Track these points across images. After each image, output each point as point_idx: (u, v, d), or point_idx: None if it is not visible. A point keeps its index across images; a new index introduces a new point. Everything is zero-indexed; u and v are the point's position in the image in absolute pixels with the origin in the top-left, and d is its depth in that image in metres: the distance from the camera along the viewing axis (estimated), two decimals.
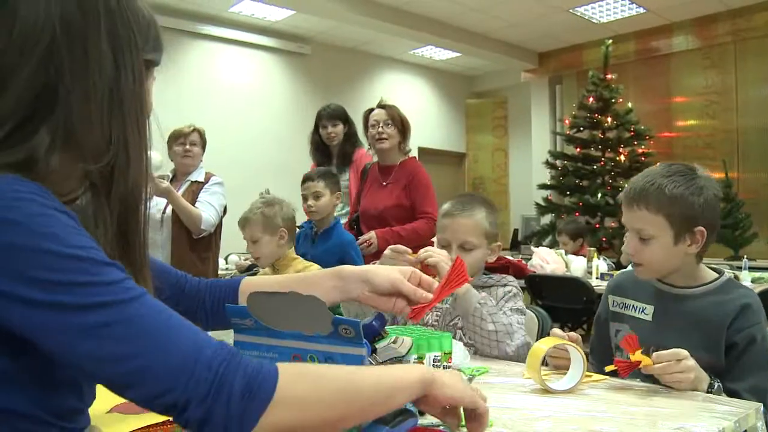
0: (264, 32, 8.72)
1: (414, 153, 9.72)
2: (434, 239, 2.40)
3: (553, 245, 6.21)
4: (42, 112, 0.84)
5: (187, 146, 3.88)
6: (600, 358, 1.86)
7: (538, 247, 5.32)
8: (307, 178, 3.68)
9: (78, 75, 0.85)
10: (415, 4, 7.94)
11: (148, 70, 0.97)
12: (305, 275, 1.34)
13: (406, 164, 3.79)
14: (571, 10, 8.01)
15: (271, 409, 0.80)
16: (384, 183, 3.75)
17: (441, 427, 1.13)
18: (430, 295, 1.27)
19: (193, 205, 3.73)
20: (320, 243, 3.45)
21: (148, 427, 1.18)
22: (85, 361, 0.77)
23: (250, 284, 1.31)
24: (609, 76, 7.77)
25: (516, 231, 8.72)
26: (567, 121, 8.13)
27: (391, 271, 1.29)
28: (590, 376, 1.55)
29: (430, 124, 10.65)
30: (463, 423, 1.06)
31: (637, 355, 1.43)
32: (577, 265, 4.43)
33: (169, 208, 3.72)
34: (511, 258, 4.83)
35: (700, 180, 1.67)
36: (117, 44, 0.89)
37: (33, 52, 0.83)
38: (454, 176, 11.12)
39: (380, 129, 3.78)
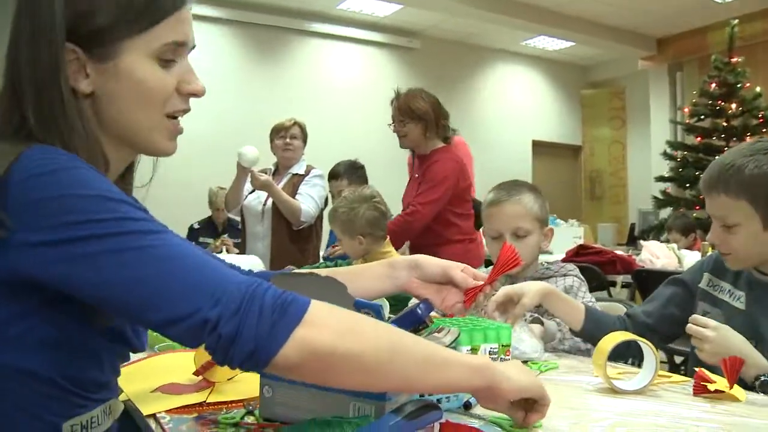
0: (372, 27, 8.75)
1: (528, 146, 9.77)
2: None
3: (669, 240, 5.86)
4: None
5: (288, 140, 3.92)
6: (656, 322, 1.73)
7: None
8: (331, 176, 3.71)
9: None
10: None
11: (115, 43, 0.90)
12: (359, 266, 1.31)
13: (433, 155, 3.36)
14: None
15: (303, 326, 0.79)
16: (416, 175, 3.45)
17: (478, 425, 1.04)
18: (482, 283, 1.20)
19: (294, 197, 3.77)
20: None
21: (185, 407, 1.17)
22: (110, 287, 0.78)
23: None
24: (734, 60, 7.24)
25: (633, 225, 8.31)
26: (686, 110, 7.66)
27: (442, 260, 1.24)
28: (669, 377, 1.40)
29: (544, 116, 10.37)
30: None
31: (720, 383, 1.25)
32: (690, 260, 4.12)
33: (270, 200, 3.78)
34: (619, 252, 4.59)
35: None
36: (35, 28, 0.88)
37: None
38: (570, 170, 10.77)
39: (396, 128, 3.43)
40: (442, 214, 3.21)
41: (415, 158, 3.51)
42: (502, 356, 1.32)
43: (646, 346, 1.32)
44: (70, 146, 0.86)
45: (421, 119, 3.32)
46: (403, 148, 3.47)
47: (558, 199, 10.05)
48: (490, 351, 1.31)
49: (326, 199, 4.02)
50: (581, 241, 5.13)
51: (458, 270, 1.21)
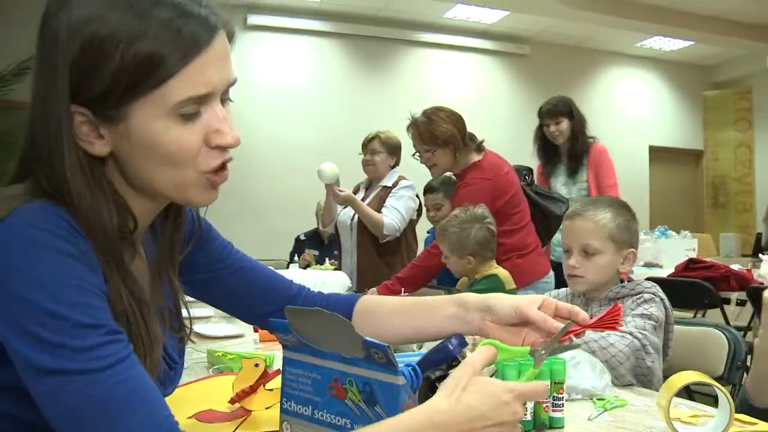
0: (480, 35, 8.66)
1: (644, 152, 9.36)
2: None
3: None
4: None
5: (367, 156, 3.92)
6: None
7: None
8: (427, 190, 3.61)
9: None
10: None
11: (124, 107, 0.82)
12: (428, 300, 1.20)
13: (465, 175, 3.16)
14: None
15: None
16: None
17: None
18: (560, 324, 1.02)
19: (381, 210, 3.75)
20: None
21: None
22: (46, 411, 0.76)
23: (366, 302, 1.24)
24: None
25: (759, 236, 7.74)
26: None
27: (516, 298, 1.10)
28: (753, 423, 1.24)
29: (662, 120, 9.87)
30: None
31: None
32: None
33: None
34: (735, 267, 4.26)
35: None
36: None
37: None
38: (691, 176, 10.21)
39: (423, 159, 3.20)
40: None
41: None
42: (555, 394, 1.22)
43: (720, 390, 1.17)
44: (73, 207, 0.81)
45: (449, 143, 3.09)
46: (435, 176, 3.29)
47: (677, 207, 9.55)
48: None
49: (420, 210, 3.98)
50: (695, 254, 4.80)
51: (534, 307, 1.05)
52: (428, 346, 1.75)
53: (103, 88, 0.79)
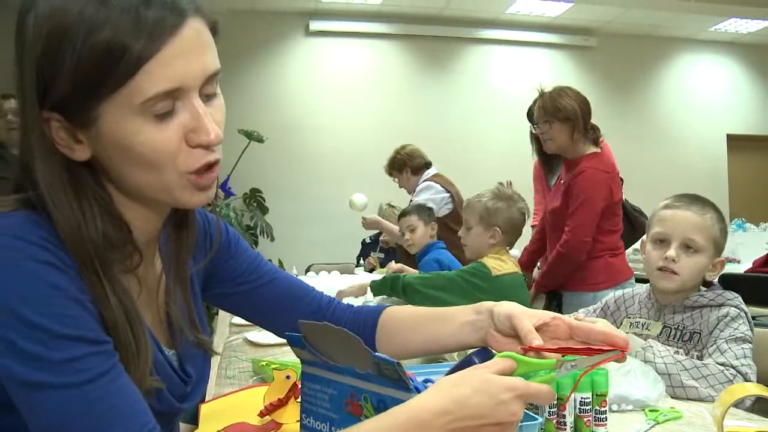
0: (545, 29, 8.46)
1: (722, 141, 8.92)
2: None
3: None
4: None
5: (395, 179, 4.66)
6: None
7: None
8: (402, 214, 3.79)
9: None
10: None
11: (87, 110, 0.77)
12: (450, 309, 1.13)
13: (582, 162, 3.00)
14: None
15: None
16: (562, 181, 3.15)
17: None
18: (539, 341, 0.93)
19: None
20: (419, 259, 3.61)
21: None
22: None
23: (390, 314, 1.19)
24: None
25: None
26: None
27: (516, 306, 1.02)
28: None
29: (739, 107, 9.39)
30: None
31: None
32: None
33: None
34: None
35: None
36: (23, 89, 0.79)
37: None
38: None
39: (540, 130, 3.11)
40: None
41: (563, 163, 3.21)
42: (597, 407, 1.13)
43: None
44: (52, 215, 0.78)
45: (569, 120, 3.00)
46: (549, 152, 3.22)
47: (760, 198, 9.10)
48: (581, 401, 1.13)
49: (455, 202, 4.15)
50: None
51: (528, 319, 0.97)
52: None
53: (67, 88, 0.75)
